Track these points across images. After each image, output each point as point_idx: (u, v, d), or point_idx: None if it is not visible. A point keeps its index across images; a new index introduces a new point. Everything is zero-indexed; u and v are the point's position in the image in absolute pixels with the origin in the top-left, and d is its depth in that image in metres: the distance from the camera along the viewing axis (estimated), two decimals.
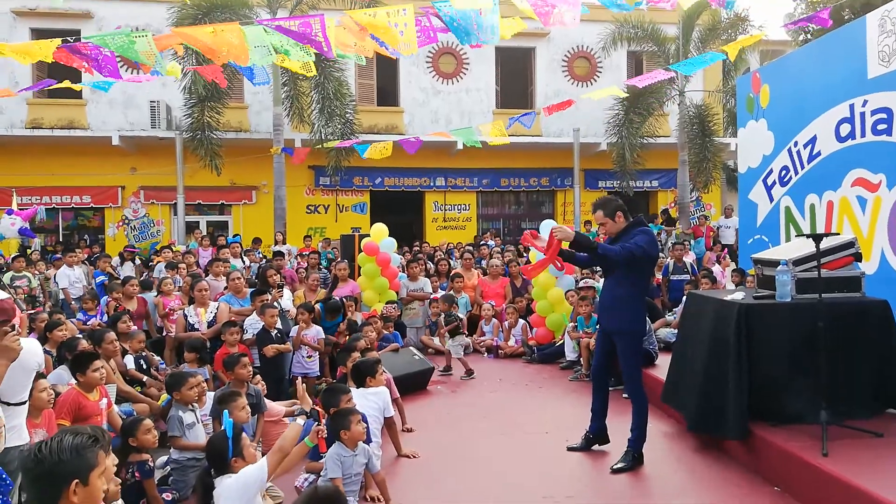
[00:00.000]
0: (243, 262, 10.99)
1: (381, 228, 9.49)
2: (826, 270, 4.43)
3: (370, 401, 4.61)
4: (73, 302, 9.48)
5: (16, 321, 3.29)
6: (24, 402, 3.37)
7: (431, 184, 18.77)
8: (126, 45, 4.96)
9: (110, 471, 2.25)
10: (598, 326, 5.09)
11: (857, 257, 4.67)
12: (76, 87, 7.01)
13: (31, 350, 3.51)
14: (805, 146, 6.68)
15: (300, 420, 3.41)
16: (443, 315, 8.04)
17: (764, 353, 4.43)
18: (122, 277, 9.46)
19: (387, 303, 8.72)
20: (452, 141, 11.31)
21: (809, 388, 4.18)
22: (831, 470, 3.61)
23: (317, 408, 3.93)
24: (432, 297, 9.24)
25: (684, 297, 7.00)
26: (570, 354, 7.67)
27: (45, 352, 4.73)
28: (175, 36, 5.51)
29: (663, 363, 6.29)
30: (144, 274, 10.71)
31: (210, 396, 5.00)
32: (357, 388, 4.70)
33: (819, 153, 6.46)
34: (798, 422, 4.25)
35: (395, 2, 5.07)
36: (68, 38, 5.36)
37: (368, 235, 9.66)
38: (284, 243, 13.68)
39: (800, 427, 4.20)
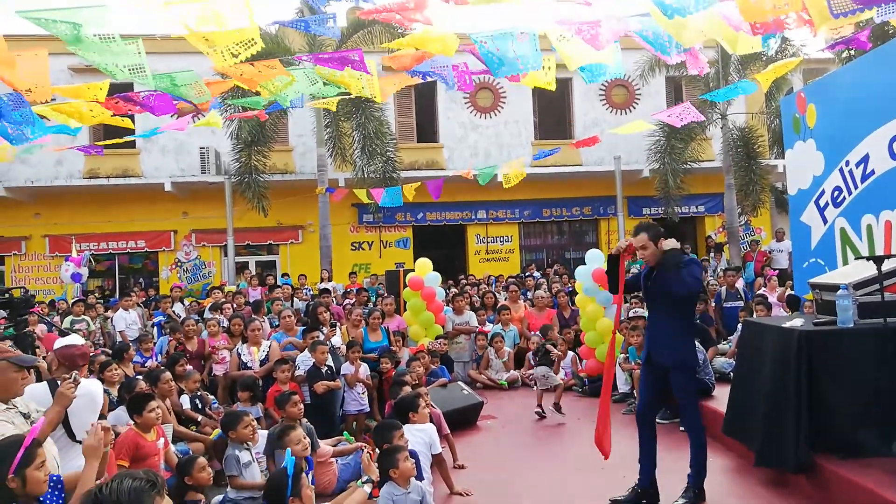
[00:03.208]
0: (293, 303, 11.16)
1: (425, 263, 9.54)
2: (889, 293, 4.26)
3: (416, 437, 4.57)
4: (130, 345, 9.76)
5: (75, 372, 3.44)
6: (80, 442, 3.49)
7: (473, 217, 18.84)
8: (175, 85, 5.16)
9: None
10: (641, 362, 4.80)
11: None
12: (124, 138, 7.22)
13: (97, 390, 3.65)
14: (857, 165, 6.49)
15: (367, 488, 3.44)
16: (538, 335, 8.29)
17: (828, 381, 4.25)
18: (179, 318, 9.75)
19: (436, 337, 8.72)
20: (492, 172, 11.34)
21: (880, 418, 3.99)
22: None
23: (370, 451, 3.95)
24: (478, 330, 9.20)
25: (739, 325, 6.80)
26: (623, 386, 7.50)
27: (105, 392, 4.87)
28: (221, 84, 5.72)
29: (720, 394, 6.10)
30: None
31: (263, 435, 5.06)
32: (402, 424, 4.68)
33: (873, 171, 6.26)
34: (869, 455, 4.05)
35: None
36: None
37: (413, 270, 9.72)
38: (330, 280, 13.85)
39: (871, 460, 4.00)
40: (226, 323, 8.60)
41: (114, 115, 5.31)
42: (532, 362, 8.68)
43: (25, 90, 3.95)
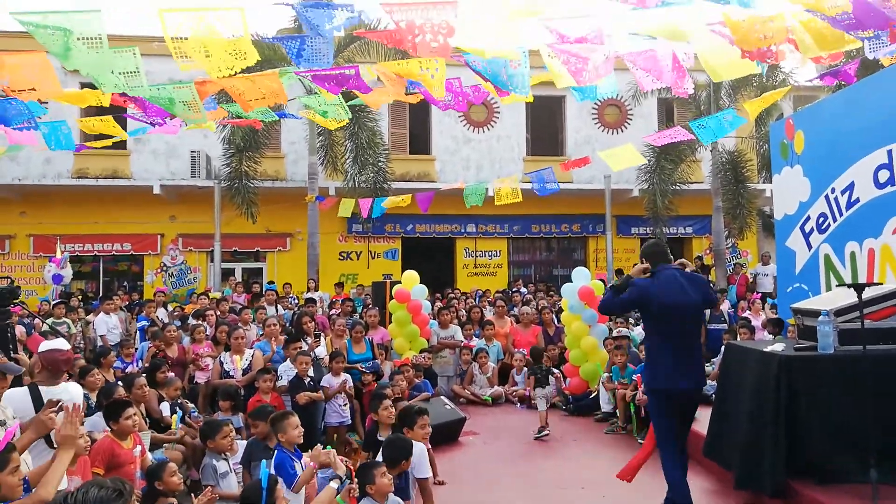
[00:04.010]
0: (276, 309, 11.10)
1: (412, 275, 9.52)
2: (870, 321, 4.29)
3: None
4: (111, 349, 9.66)
5: (62, 402, 3.36)
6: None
7: (462, 230, 18.86)
8: (170, 100, 5.15)
9: None
10: (656, 389, 4.43)
11: None
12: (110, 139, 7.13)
13: (79, 394, 3.60)
14: (843, 192, 6.56)
15: (333, 484, 3.39)
16: (526, 369, 8.36)
17: (807, 406, 4.27)
18: (163, 323, 9.67)
19: (420, 351, 8.68)
20: (483, 187, 11.36)
21: (857, 444, 4.01)
22: None
23: (349, 465, 3.90)
24: (463, 344, 9.18)
25: (723, 348, 6.84)
26: (606, 406, 7.50)
27: (84, 396, 4.81)
28: (215, 83, 5.71)
29: (701, 416, 6.11)
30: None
31: (241, 445, 5.02)
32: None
33: (857, 200, 6.34)
34: (847, 480, 4.07)
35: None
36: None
37: (400, 282, 9.70)
38: (317, 290, 13.78)
39: (847, 486, 4.02)
40: (210, 330, 8.54)
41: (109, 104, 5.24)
42: (516, 379, 8.68)
43: (29, 89, 3.92)
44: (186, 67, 4.00)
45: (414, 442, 4.53)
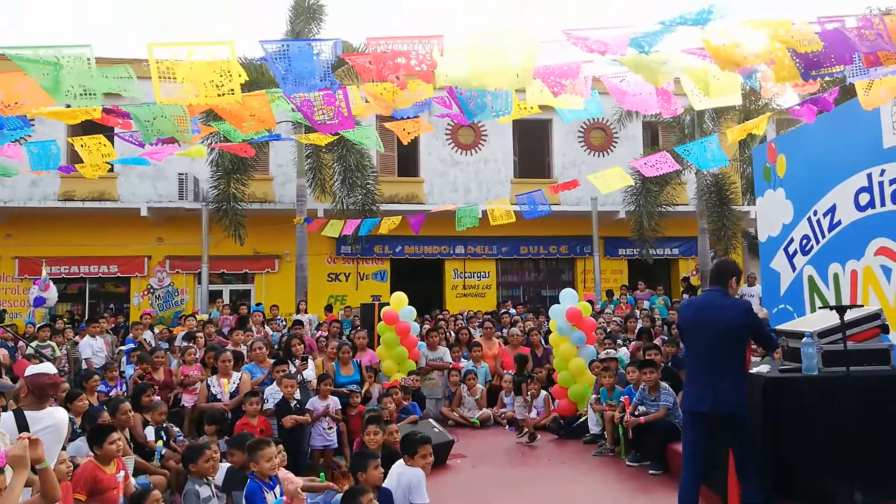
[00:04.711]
0: (265, 330, 11.04)
1: (400, 297, 9.51)
2: (852, 343, 4.35)
3: (401, 478, 4.45)
4: (96, 373, 9.56)
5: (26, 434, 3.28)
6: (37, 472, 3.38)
7: (451, 252, 18.90)
8: (159, 121, 5.15)
9: None
10: (682, 408, 4.49)
11: (885, 329, 4.59)
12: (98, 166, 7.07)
13: (64, 419, 3.55)
14: (825, 215, 6.67)
15: None
16: (512, 374, 8.43)
17: (793, 428, 4.30)
18: (150, 346, 9.60)
19: (409, 373, 8.65)
20: (472, 209, 11.43)
21: (842, 465, 4.04)
22: None
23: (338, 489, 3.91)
24: (451, 366, 9.16)
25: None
26: (594, 428, 7.49)
27: (69, 420, 4.76)
28: (204, 106, 5.72)
29: None
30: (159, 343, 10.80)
31: (223, 468, 4.97)
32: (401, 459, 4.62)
33: (840, 222, 6.45)
34: (832, 502, 4.09)
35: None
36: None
37: (388, 304, 9.68)
38: (306, 312, 13.72)
39: None
40: (199, 354, 8.48)
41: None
42: (504, 401, 8.66)
43: (14, 103, 3.90)
44: (169, 101, 4.02)
45: (414, 468, 4.49)
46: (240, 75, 3.91)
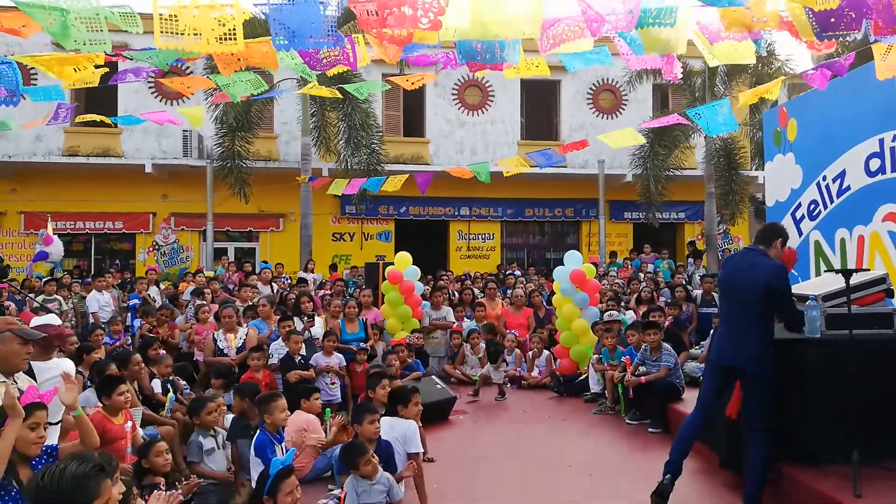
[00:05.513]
0: (272, 288, 11.11)
1: (405, 257, 9.54)
2: (857, 307, 4.35)
3: (396, 430, 4.56)
4: (101, 327, 9.66)
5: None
6: (58, 423, 3.45)
7: (456, 213, 18.86)
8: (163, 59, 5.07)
9: (115, 500, 2.22)
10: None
11: (889, 293, 4.58)
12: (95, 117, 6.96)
13: (70, 369, 3.60)
14: (834, 180, 6.61)
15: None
16: (484, 343, 8.45)
17: (793, 390, 4.34)
18: (155, 301, 9.67)
19: (412, 331, 8.73)
20: (483, 165, 11.34)
21: (842, 427, 4.07)
22: None
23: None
24: (454, 326, 9.23)
25: (711, 332, 6.91)
26: (595, 387, 7.58)
27: (78, 372, 4.83)
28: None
29: (689, 397, 6.19)
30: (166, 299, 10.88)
31: (229, 419, 5.06)
32: (390, 415, 4.68)
33: (848, 187, 6.39)
34: (831, 462, 4.14)
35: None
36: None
37: (392, 264, 9.71)
38: (313, 271, 13.77)
39: (832, 467, 4.09)
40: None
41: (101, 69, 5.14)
42: (507, 359, 8.74)
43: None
44: (171, 46, 3.95)
45: (407, 420, 4.64)
46: (243, 13, 3.83)
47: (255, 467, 4.34)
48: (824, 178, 6.76)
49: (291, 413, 5.20)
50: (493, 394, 7.85)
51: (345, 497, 3.87)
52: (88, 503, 2.07)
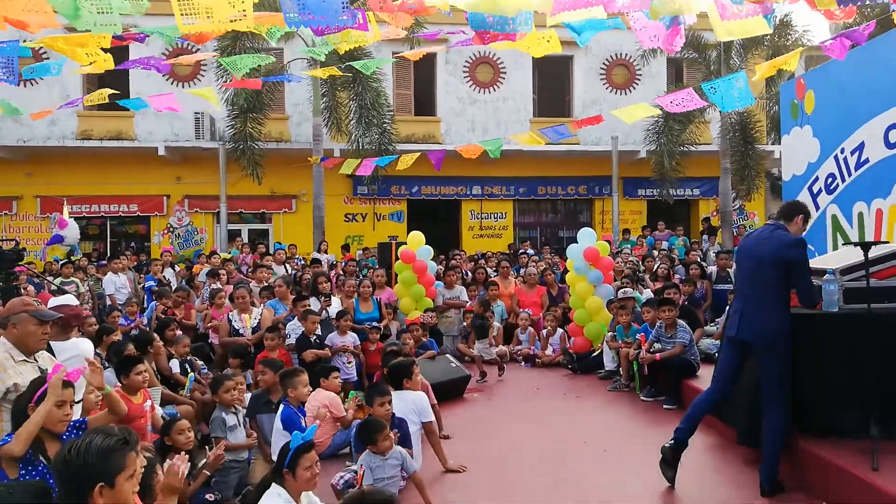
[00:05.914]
0: (286, 269, 11.17)
1: (417, 236, 9.53)
2: (875, 280, 4.30)
3: (406, 404, 4.63)
4: (118, 309, 9.77)
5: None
6: (79, 402, 3.50)
7: (468, 192, 18.81)
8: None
9: (139, 473, 2.27)
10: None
11: None
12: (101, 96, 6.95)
13: (89, 349, 3.65)
14: (852, 153, 6.51)
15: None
16: (472, 317, 8.26)
17: (811, 364, 4.31)
18: (170, 283, 9.75)
19: (426, 310, 8.75)
20: (496, 141, 11.24)
21: (859, 401, 4.05)
22: (882, 485, 3.50)
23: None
24: (467, 305, 9.24)
25: (727, 308, 6.87)
26: (609, 364, 7.58)
27: (96, 354, 4.90)
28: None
29: (705, 374, 6.18)
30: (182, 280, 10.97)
31: (247, 398, 5.14)
32: (395, 390, 4.73)
33: (867, 160, 6.29)
34: (848, 436, 4.12)
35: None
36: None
37: (405, 243, 9.72)
38: (327, 252, 13.82)
39: (850, 441, 4.07)
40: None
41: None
42: (520, 338, 8.74)
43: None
44: (189, 29, 3.95)
45: (415, 392, 4.75)
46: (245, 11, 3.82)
47: (277, 441, 4.41)
48: (842, 151, 6.65)
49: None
50: (493, 373, 7.71)
51: (363, 474, 3.92)
52: (115, 475, 2.11)
